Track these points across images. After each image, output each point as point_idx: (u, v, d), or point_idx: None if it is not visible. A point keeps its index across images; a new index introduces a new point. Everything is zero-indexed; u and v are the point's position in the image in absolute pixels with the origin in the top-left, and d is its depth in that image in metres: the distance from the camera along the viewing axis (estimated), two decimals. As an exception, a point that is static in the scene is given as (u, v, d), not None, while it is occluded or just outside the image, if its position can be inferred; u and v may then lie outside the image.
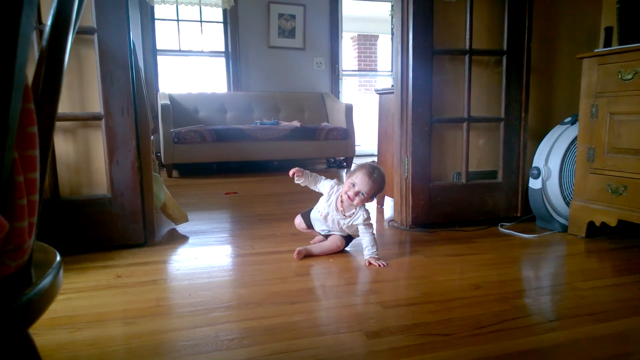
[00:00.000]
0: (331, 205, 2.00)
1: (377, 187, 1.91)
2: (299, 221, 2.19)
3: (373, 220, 2.73)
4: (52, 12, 0.57)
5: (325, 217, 2.02)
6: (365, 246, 1.92)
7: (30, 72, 0.48)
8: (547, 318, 1.40)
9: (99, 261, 1.92)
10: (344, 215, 1.98)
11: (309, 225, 2.16)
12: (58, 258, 0.60)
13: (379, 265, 1.85)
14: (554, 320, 1.39)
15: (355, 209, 1.96)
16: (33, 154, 0.51)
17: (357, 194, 1.89)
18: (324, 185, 2.05)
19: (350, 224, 1.98)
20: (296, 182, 2.05)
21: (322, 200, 2.06)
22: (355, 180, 1.89)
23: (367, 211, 1.97)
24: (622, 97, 2.04)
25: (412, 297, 1.56)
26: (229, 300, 1.54)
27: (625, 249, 2.10)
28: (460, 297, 1.56)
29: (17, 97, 0.39)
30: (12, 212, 0.49)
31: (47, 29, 0.55)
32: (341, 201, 1.97)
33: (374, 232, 1.96)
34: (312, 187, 2.08)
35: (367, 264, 1.88)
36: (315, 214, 2.09)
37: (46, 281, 0.53)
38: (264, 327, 1.34)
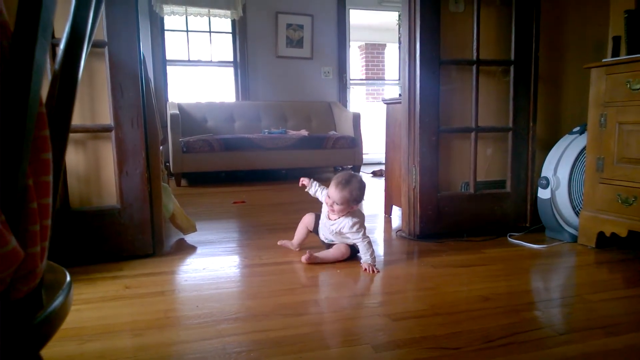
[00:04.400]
0: (324, 212, 2.12)
1: (349, 195, 1.99)
2: (309, 219, 2.23)
3: (380, 231, 2.74)
4: (66, 33, 0.58)
5: (324, 228, 2.12)
6: (361, 253, 2.02)
7: (44, 89, 0.49)
8: (557, 331, 1.39)
9: (108, 272, 1.93)
10: (330, 219, 2.08)
11: (315, 230, 2.21)
12: (68, 278, 0.61)
13: (372, 272, 1.92)
14: (564, 334, 1.37)
15: (339, 217, 2.05)
16: (47, 180, 0.52)
17: (332, 205, 2.01)
18: (323, 195, 2.15)
19: (337, 230, 2.05)
20: (307, 190, 2.20)
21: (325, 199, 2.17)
22: (329, 193, 2.02)
23: (352, 219, 2.03)
24: (631, 107, 2.03)
25: (420, 309, 1.55)
26: (236, 311, 1.54)
27: (636, 259, 2.07)
28: (468, 310, 1.55)
29: (30, 125, 0.40)
30: (25, 238, 0.50)
31: (61, 51, 0.56)
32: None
33: (367, 236, 2.03)
34: (320, 197, 2.18)
35: (363, 269, 1.95)
36: (321, 221, 2.18)
37: (57, 303, 0.54)
38: (272, 340, 1.34)
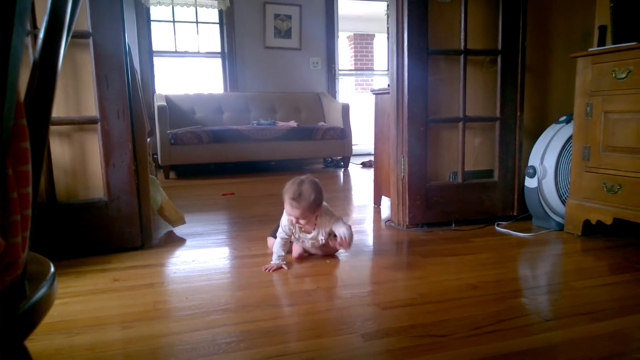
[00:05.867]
0: (298, 231, 1.93)
1: (307, 205, 1.81)
2: (272, 243, 2.03)
3: (370, 221, 2.75)
4: (45, 22, 0.57)
5: (305, 243, 1.97)
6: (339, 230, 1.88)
7: (23, 77, 0.48)
8: (543, 318, 1.41)
9: (96, 265, 1.92)
10: (311, 232, 1.92)
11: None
12: (52, 269, 0.60)
13: (347, 245, 1.85)
14: (550, 320, 1.39)
15: (314, 228, 1.91)
16: (26, 169, 0.51)
17: (297, 221, 1.85)
18: (287, 223, 1.91)
19: (328, 232, 1.92)
20: (281, 262, 1.89)
21: (289, 228, 1.93)
22: (287, 212, 1.85)
23: (327, 220, 1.91)
24: (616, 96, 2.05)
25: (408, 298, 1.57)
26: (226, 303, 1.54)
27: (621, 247, 2.10)
28: (457, 298, 1.57)
29: (9, 115, 0.39)
30: (6, 228, 0.49)
31: (40, 40, 0.55)
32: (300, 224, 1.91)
33: (346, 223, 1.92)
34: (285, 233, 1.93)
35: (337, 241, 1.87)
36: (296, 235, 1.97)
37: (40, 293, 0.54)
38: (261, 330, 1.34)
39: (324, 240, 1.94)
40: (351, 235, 1.89)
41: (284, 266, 1.87)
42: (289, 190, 1.83)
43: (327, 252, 2.03)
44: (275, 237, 1.99)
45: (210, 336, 1.30)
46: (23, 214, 0.51)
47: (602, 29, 2.32)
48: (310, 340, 1.28)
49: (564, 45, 2.64)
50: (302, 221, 1.85)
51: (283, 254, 1.90)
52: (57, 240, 2.00)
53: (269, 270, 1.84)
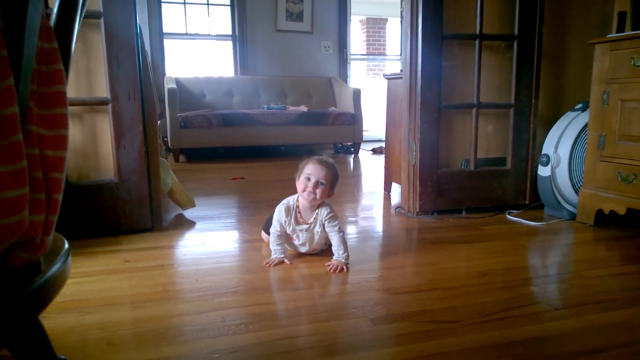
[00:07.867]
0: (292, 223, 1.76)
1: (332, 173, 1.72)
2: (267, 238, 1.89)
3: (380, 207, 2.74)
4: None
5: (299, 238, 1.79)
6: (333, 248, 1.74)
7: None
8: (553, 306, 1.40)
9: (107, 246, 1.94)
10: (307, 222, 1.76)
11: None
12: (66, 245, 0.60)
13: (340, 270, 1.66)
14: (560, 309, 1.38)
15: (315, 210, 1.75)
16: (62, 155, 0.50)
17: (316, 184, 1.68)
18: (279, 218, 1.77)
19: (322, 226, 1.75)
20: (281, 257, 1.77)
21: (281, 223, 1.77)
22: (309, 172, 1.70)
23: (327, 207, 1.75)
24: (634, 84, 2.01)
25: (418, 284, 1.56)
26: (235, 285, 1.55)
27: (634, 237, 2.08)
28: (466, 285, 1.56)
29: (24, 86, 0.38)
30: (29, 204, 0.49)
31: (54, 15, 0.55)
32: (299, 212, 1.77)
33: (342, 229, 1.75)
34: (288, 232, 1.79)
35: (328, 269, 1.68)
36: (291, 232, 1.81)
37: (55, 269, 0.54)
38: (270, 313, 1.35)
39: (319, 234, 1.76)
40: (348, 258, 1.71)
41: (285, 260, 1.76)
42: (315, 157, 1.74)
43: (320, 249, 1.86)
44: (268, 232, 1.83)
45: (220, 317, 1.31)
46: (53, 198, 0.51)
47: (622, 15, 2.26)
48: (319, 323, 1.29)
49: (581, 31, 2.59)
50: (319, 188, 1.68)
51: (280, 248, 1.77)
52: (68, 221, 1.99)
53: (271, 265, 1.73)
